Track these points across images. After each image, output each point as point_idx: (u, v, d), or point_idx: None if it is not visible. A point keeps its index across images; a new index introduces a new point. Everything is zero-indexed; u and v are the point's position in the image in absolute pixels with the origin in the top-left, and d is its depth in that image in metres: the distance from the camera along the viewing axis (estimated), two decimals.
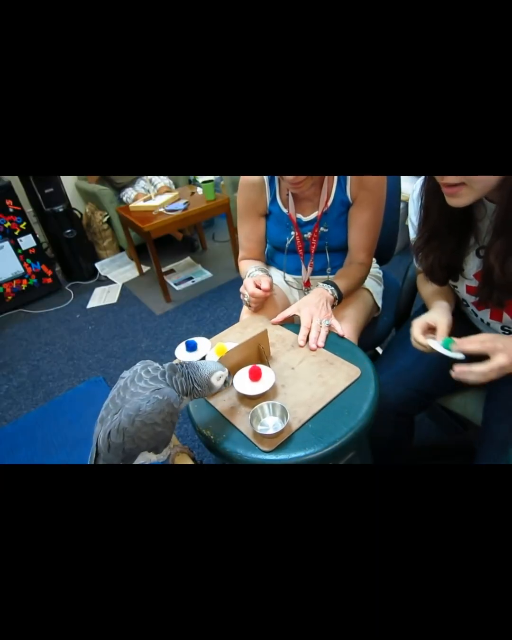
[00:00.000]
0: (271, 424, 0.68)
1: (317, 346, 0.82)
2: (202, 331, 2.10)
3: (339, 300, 0.94)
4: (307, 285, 1.08)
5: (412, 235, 0.82)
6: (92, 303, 2.55)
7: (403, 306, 1.11)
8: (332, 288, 0.93)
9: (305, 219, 1.00)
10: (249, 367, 0.73)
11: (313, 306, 0.88)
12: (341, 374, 0.75)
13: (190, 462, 0.71)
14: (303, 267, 1.05)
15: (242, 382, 0.73)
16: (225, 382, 0.67)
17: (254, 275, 0.99)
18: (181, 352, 0.84)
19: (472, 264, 0.73)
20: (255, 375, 0.72)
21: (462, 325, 0.92)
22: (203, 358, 0.83)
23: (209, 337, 0.90)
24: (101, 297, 2.60)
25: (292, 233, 1.01)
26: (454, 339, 0.68)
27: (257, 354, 0.79)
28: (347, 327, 0.90)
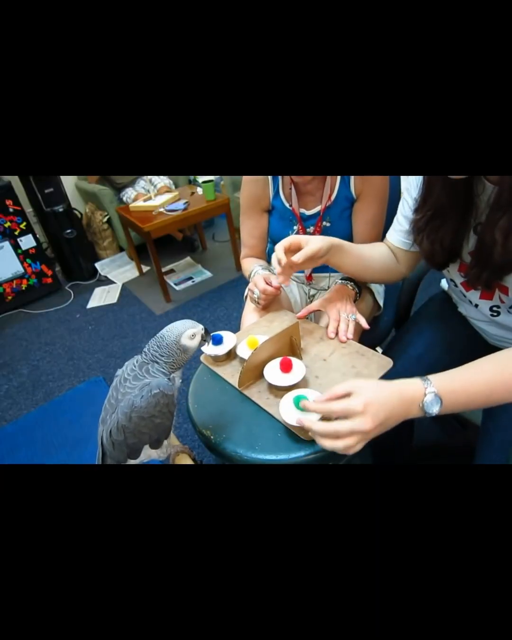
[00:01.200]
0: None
1: (347, 338, 0.82)
2: None
3: (359, 294, 0.95)
4: (310, 280, 1.09)
5: (406, 212, 0.80)
6: (92, 303, 2.55)
7: (404, 306, 1.11)
8: (352, 284, 0.94)
9: (308, 213, 1.01)
10: (280, 358, 0.74)
11: (337, 301, 0.90)
12: (374, 364, 0.75)
13: (190, 462, 0.71)
14: None
15: (274, 374, 0.73)
16: (203, 338, 0.63)
17: (260, 273, 0.99)
18: (207, 346, 0.83)
19: (470, 242, 0.71)
20: (286, 367, 0.72)
21: (446, 313, 0.92)
22: (231, 351, 0.83)
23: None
24: (101, 297, 2.60)
25: (295, 227, 1.02)
26: (307, 395, 0.62)
27: (289, 346, 0.79)
28: (349, 327, 0.90)
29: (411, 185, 0.78)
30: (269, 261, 1.17)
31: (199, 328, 0.62)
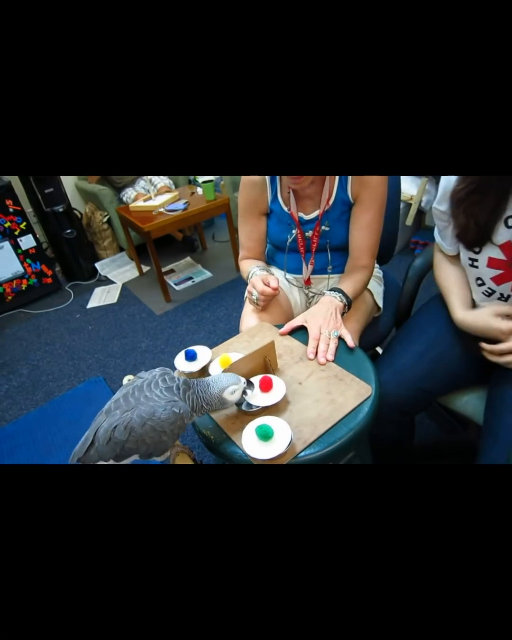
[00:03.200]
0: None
1: (327, 360, 0.78)
2: (202, 331, 2.10)
3: (349, 307, 0.92)
4: (308, 283, 1.08)
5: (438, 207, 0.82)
6: (92, 303, 2.55)
7: (404, 306, 1.11)
8: (341, 295, 0.90)
9: (306, 217, 1.00)
10: (260, 376, 0.71)
11: (321, 317, 0.85)
12: (351, 391, 0.71)
13: (190, 462, 0.71)
14: (304, 265, 1.05)
15: (254, 393, 0.70)
16: (244, 392, 0.66)
17: (258, 275, 0.98)
18: (180, 362, 0.81)
19: (503, 234, 0.71)
20: (265, 386, 0.69)
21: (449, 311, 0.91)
22: (204, 368, 0.80)
23: (215, 344, 0.88)
24: (101, 297, 2.60)
25: (294, 231, 1.01)
26: (270, 425, 0.63)
27: (263, 366, 0.76)
28: (348, 328, 0.89)
29: (448, 180, 0.78)
30: (267, 262, 1.17)
31: (241, 384, 0.66)
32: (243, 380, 0.66)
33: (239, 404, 0.70)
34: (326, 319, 0.85)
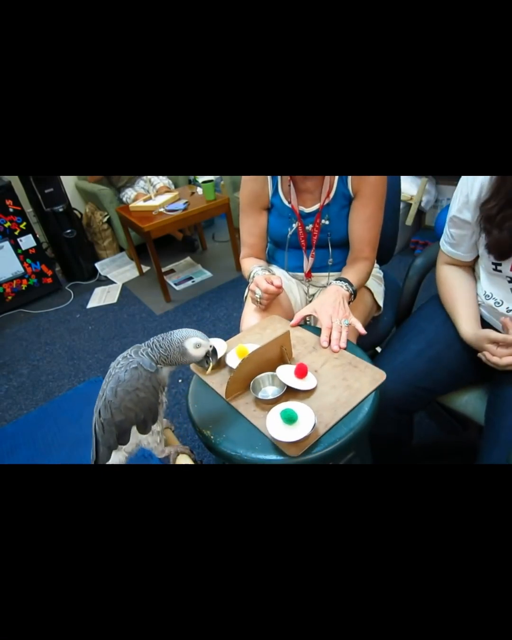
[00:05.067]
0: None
1: (340, 347, 0.80)
2: (202, 331, 2.09)
3: (354, 296, 0.94)
4: (309, 277, 1.08)
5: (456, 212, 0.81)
6: (92, 303, 2.55)
7: (405, 305, 1.11)
8: (346, 284, 0.92)
9: (307, 210, 1.00)
10: (295, 364, 0.73)
11: (330, 306, 0.87)
12: (366, 377, 0.73)
13: (190, 462, 0.71)
14: (304, 257, 1.06)
15: (289, 377, 0.72)
16: (208, 355, 0.65)
17: (260, 274, 0.99)
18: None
19: None
20: (301, 373, 0.72)
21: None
22: (221, 359, 0.81)
23: (215, 338, 0.89)
24: (101, 297, 2.60)
25: (295, 225, 1.02)
26: (294, 409, 0.64)
27: (279, 356, 0.77)
28: (342, 334, 0.89)
29: (470, 189, 0.78)
30: (268, 261, 1.17)
31: (207, 343, 0.65)
32: (210, 341, 0.66)
33: (200, 363, 0.68)
34: (335, 308, 0.87)
